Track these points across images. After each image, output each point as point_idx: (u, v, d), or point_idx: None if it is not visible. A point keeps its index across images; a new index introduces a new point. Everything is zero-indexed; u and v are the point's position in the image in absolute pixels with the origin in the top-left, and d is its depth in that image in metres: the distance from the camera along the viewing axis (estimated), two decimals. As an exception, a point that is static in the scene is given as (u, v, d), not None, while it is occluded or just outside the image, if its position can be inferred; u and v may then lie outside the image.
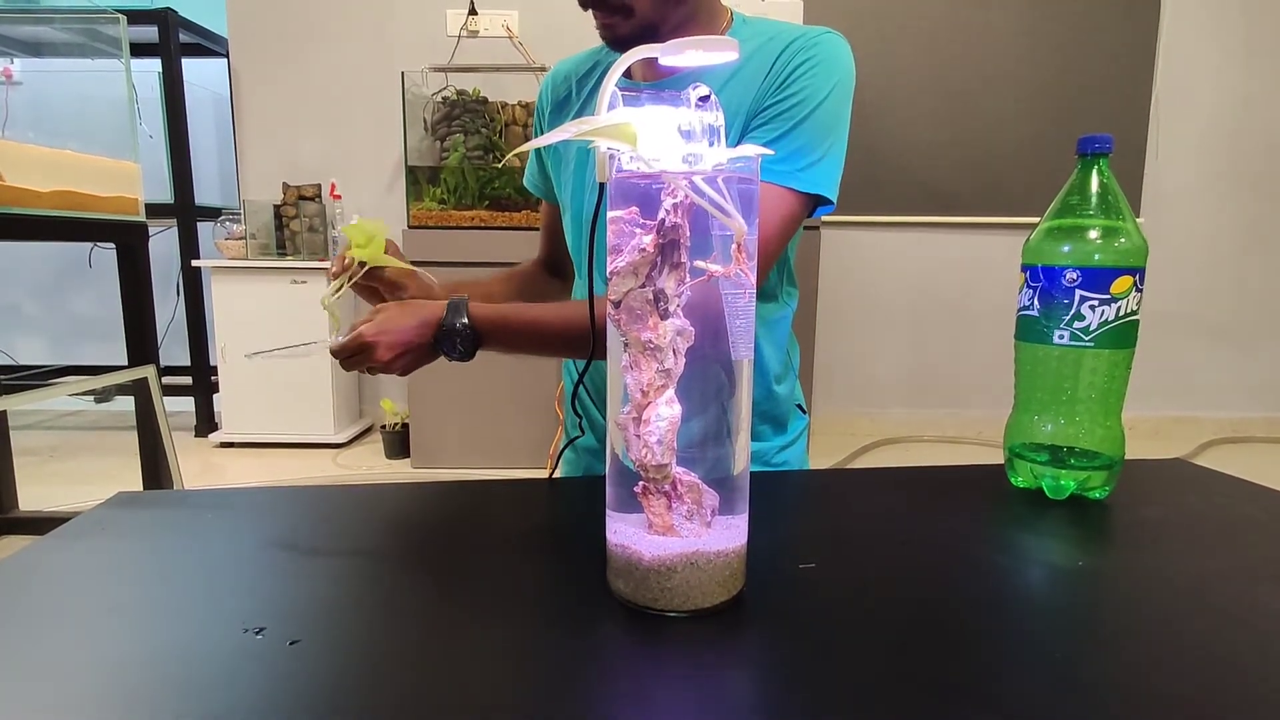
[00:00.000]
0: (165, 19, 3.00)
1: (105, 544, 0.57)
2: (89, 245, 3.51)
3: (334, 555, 0.55)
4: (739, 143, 0.78)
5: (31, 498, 2.12)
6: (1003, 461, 0.71)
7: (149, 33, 2.99)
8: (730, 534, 0.45)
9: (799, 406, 0.97)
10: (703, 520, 0.45)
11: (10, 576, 0.51)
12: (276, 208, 3.08)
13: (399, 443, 2.90)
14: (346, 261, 0.79)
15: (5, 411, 1.97)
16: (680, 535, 0.44)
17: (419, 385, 2.76)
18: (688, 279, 0.42)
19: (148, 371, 1.87)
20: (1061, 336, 0.63)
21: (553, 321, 0.78)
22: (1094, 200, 0.62)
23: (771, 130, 0.78)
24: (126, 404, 2.34)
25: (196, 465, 2.87)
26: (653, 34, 0.78)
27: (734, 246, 0.42)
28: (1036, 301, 0.64)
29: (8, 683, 0.39)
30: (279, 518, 0.63)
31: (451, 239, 2.72)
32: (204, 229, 3.28)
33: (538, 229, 1.06)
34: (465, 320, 0.73)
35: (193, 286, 3.20)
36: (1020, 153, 3.24)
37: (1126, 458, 0.66)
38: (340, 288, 0.79)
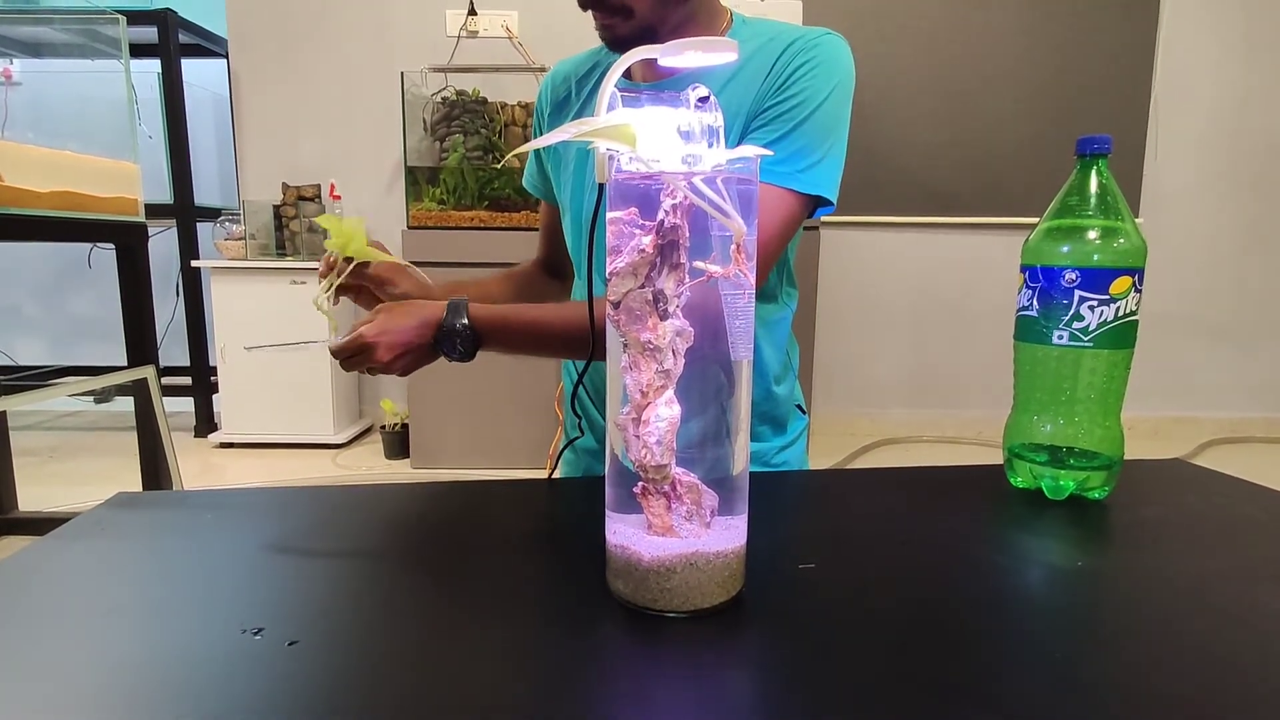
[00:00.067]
0: (165, 20, 3.01)
1: (104, 545, 0.57)
2: (88, 246, 3.51)
3: (333, 556, 0.55)
4: (739, 144, 0.78)
5: (31, 498, 2.12)
6: (1002, 462, 0.71)
7: (148, 33, 2.99)
8: (729, 534, 0.45)
9: (798, 407, 0.97)
10: (702, 521, 0.45)
11: (10, 577, 0.51)
12: (276, 208, 3.08)
13: (399, 443, 2.89)
14: (331, 259, 0.80)
15: (5, 412, 1.97)
16: (679, 536, 0.44)
17: (419, 385, 2.76)
18: (687, 280, 0.42)
19: (147, 372, 1.87)
20: (1061, 337, 0.63)
21: (552, 322, 0.78)
22: (1093, 201, 0.62)
23: (771, 131, 0.78)
24: (126, 404, 2.34)
25: (196, 466, 2.87)
26: (652, 35, 0.78)
27: (733, 247, 0.42)
28: (1035, 302, 0.64)
29: (7, 683, 0.39)
30: (278, 518, 0.63)
31: (451, 239, 2.72)
32: (203, 229, 3.28)
33: (537, 229, 1.06)
34: (465, 321, 0.73)
35: (192, 287, 3.20)
36: (1020, 153, 3.24)
37: (1126, 458, 0.66)
38: (330, 286, 0.79)
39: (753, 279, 0.44)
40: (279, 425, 3.01)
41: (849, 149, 0.81)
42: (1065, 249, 0.62)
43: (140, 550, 0.56)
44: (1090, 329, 0.62)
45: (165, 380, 2.29)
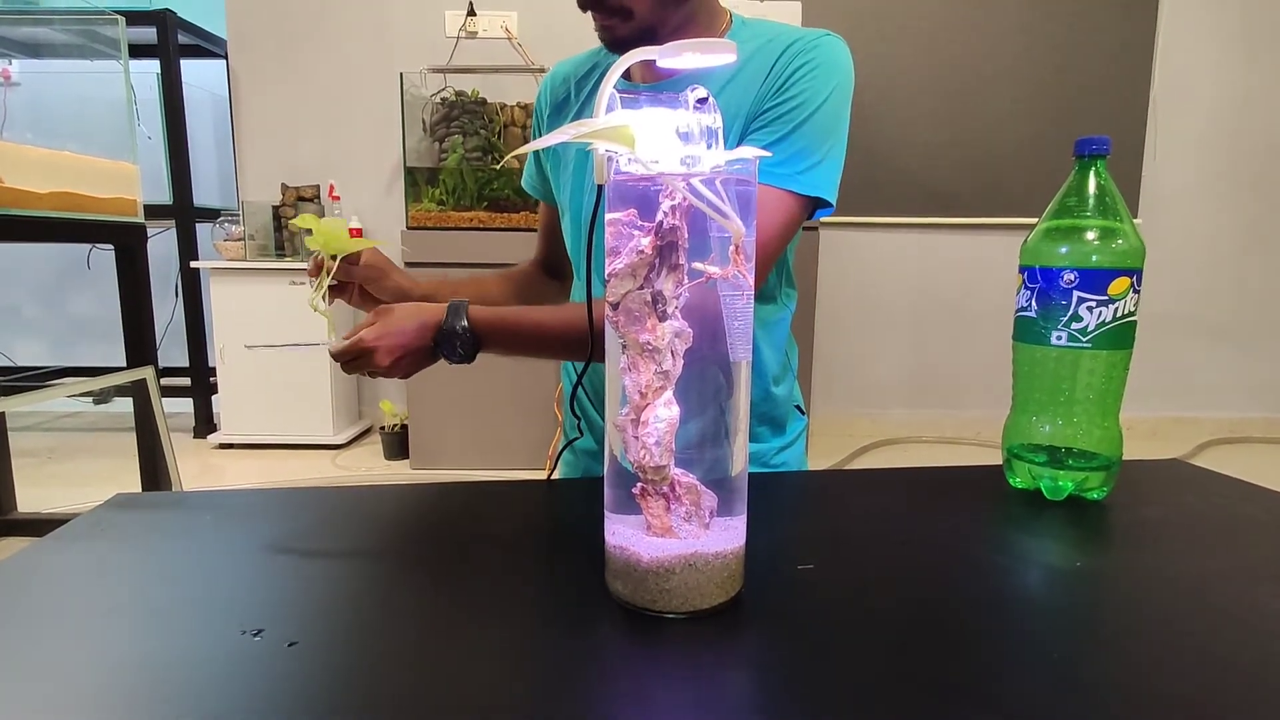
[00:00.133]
0: (164, 20, 3.00)
1: (104, 546, 0.57)
2: (88, 246, 3.51)
3: (332, 556, 0.55)
4: (738, 145, 0.78)
5: (30, 499, 2.11)
6: (1001, 462, 0.71)
7: (148, 34, 2.99)
8: (728, 535, 0.45)
9: (797, 408, 0.97)
10: (701, 522, 0.45)
11: (8, 578, 0.51)
12: (275, 209, 3.08)
13: (398, 444, 2.89)
14: (319, 259, 0.80)
15: (4, 413, 1.97)
16: (679, 537, 0.45)
17: (418, 386, 2.76)
18: (686, 281, 0.42)
19: (146, 373, 1.87)
20: (1059, 338, 0.63)
21: (552, 324, 0.78)
22: (1091, 202, 0.62)
23: (771, 133, 0.78)
24: (125, 405, 2.34)
25: (195, 466, 2.87)
26: (652, 36, 0.78)
27: (732, 248, 0.42)
28: (1034, 303, 0.64)
29: (6, 684, 0.39)
30: (277, 519, 0.63)
31: (450, 240, 2.72)
32: (202, 230, 3.28)
33: (536, 230, 1.06)
34: (465, 324, 0.73)
35: (191, 287, 3.19)
36: (1019, 153, 3.24)
37: (1124, 458, 0.66)
38: (322, 286, 0.79)
39: (751, 280, 0.44)
40: (278, 426, 3.01)
41: (848, 150, 0.81)
42: (1064, 250, 0.62)
43: (139, 551, 0.56)
44: (1089, 330, 0.62)
45: (164, 381, 2.29)
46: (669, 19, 0.78)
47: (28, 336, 3.86)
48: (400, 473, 2.82)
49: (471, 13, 3.08)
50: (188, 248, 3.18)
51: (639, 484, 0.44)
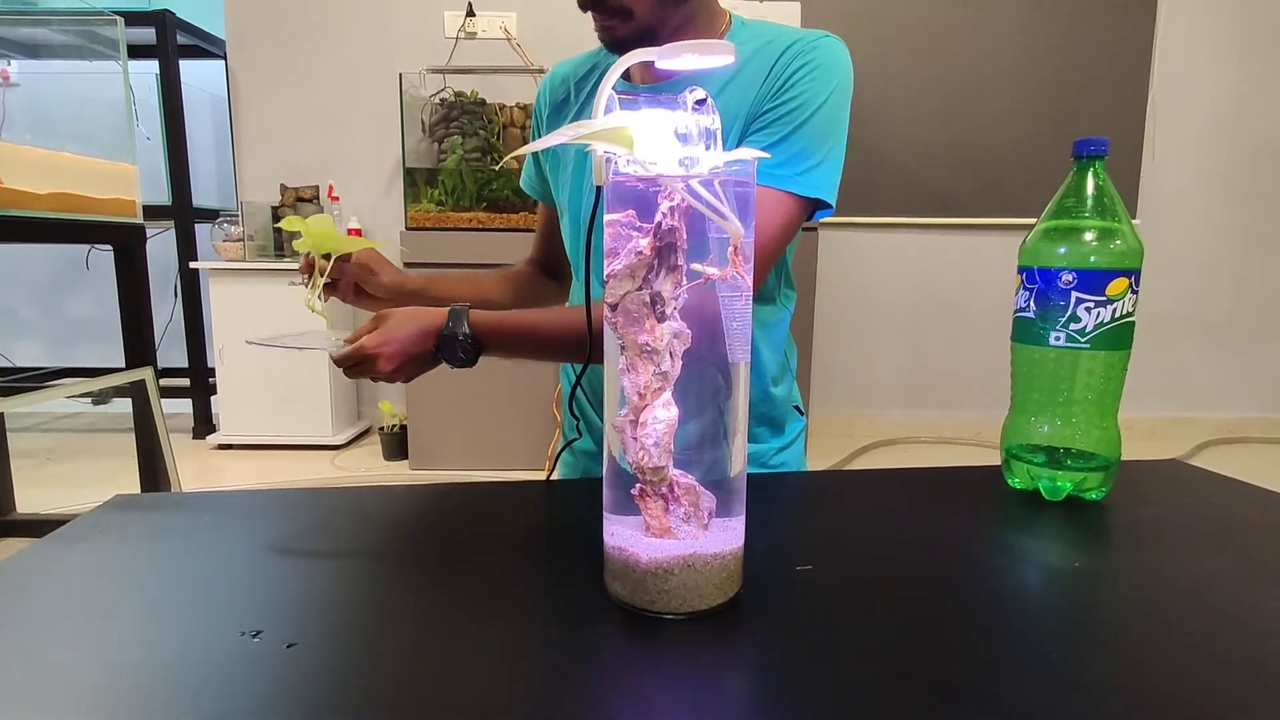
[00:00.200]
0: (163, 21, 3.00)
1: (102, 547, 0.57)
2: (86, 247, 3.51)
3: (331, 557, 0.55)
4: (738, 146, 0.78)
5: (29, 500, 2.11)
6: (1000, 463, 0.71)
7: (146, 34, 2.99)
8: (727, 536, 0.45)
9: (796, 408, 0.97)
10: (700, 522, 0.45)
11: (7, 579, 0.51)
12: (274, 209, 3.08)
13: (397, 444, 2.89)
14: (310, 259, 0.80)
15: (3, 414, 1.97)
16: (677, 537, 0.45)
17: (417, 387, 2.75)
18: (684, 282, 0.43)
19: (145, 373, 1.87)
20: (1058, 338, 0.63)
21: (552, 327, 0.78)
22: (1089, 202, 0.62)
23: (770, 134, 0.78)
24: (124, 406, 2.34)
25: (194, 467, 2.87)
26: (651, 37, 0.78)
27: (730, 249, 0.42)
28: (1033, 303, 0.64)
29: (6, 684, 0.39)
30: (276, 520, 0.63)
31: (449, 241, 2.72)
32: (202, 231, 3.28)
33: (535, 230, 1.07)
34: (467, 329, 0.73)
35: (190, 288, 3.19)
36: (1018, 154, 3.24)
37: (1123, 458, 0.66)
38: (316, 286, 0.80)
39: (750, 281, 0.44)
40: (277, 427, 3.01)
41: (847, 150, 0.81)
42: (1062, 250, 0.62)
43: (138, 552, 0.56)
44: (1087, 330, 0.62)
45: (163, 382, 2.29)
46: (669, 20, 0.78)
47: (27, 337, 3.86)
48: (399, 473, 2.82)
49: (470, 13, 3.08)
50: (187, 248, 3.18)
51: (638, 485, 0.44)
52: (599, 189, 0.44)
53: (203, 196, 3.38)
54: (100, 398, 3.73)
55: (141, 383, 1.86)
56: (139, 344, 1.95)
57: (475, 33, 3.12)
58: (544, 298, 1.06)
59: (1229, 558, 0.55)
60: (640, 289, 0.42)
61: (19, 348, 3.81)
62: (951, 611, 0.47)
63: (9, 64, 3.20)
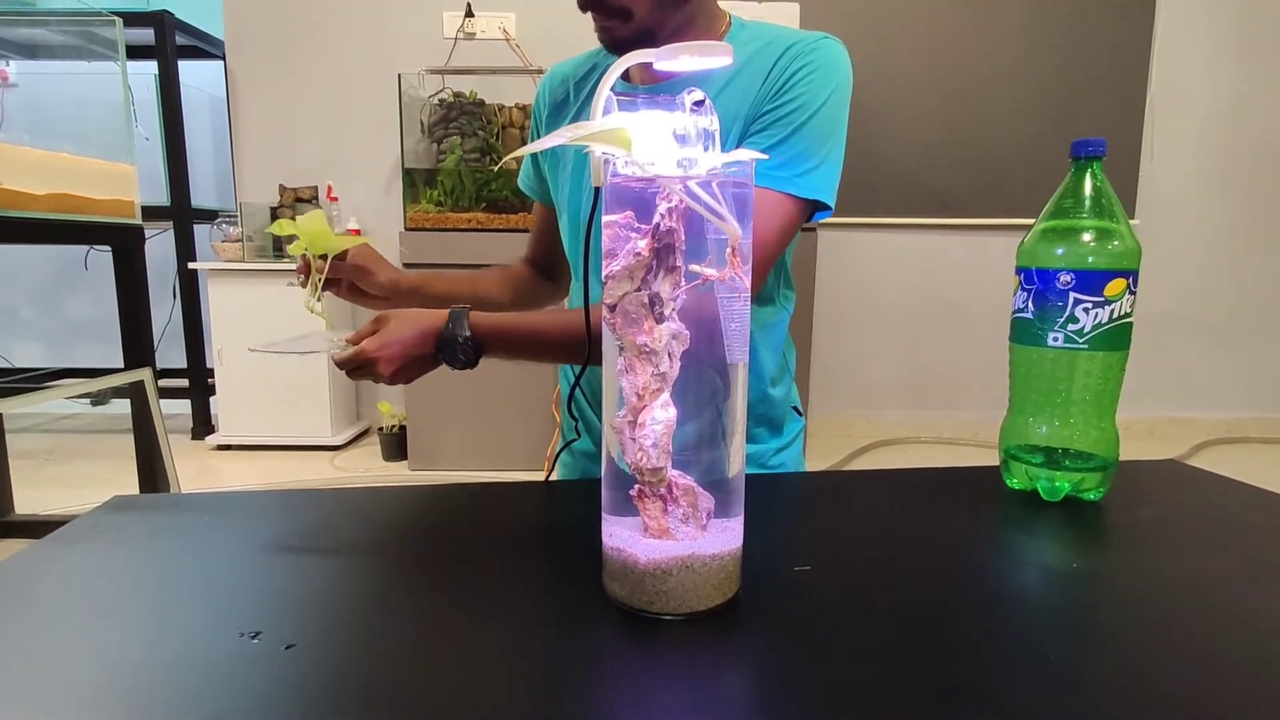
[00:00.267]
0: (161, 21, 3.00)
1: (101, 548, 0.57)
2: (85, 248, 3.51)
3: (330, 558, 0.55)
4: (737, 147, 0.79)
5: (27, 501, 2.11)
6: (998, 463, 0.71)
7: (145, 35, 2.99)
8: (725, 537, 0.45)
9: (795, 409, 0.97)
10: (698, 523, 0.45)
11: (6, 580, 0.51)
12: (273, 210, 3.07)
13: (396, 445, 2.89)
14: (306, 260, 0.80)
15: (1, 414, 1.96)
16: (676, 538, 0.45)
17: (416, 388, 2.75)
18: (683, 283, 0.43)
19: (144, 374, 1.87)
20: (1056, 339, 0.63)
21: (553, 329, 0.78)
22: (1087, 203, 0.63)
23: (770, 136, 0.78)
24: (123, 407, 2.34)
25: (193, 468, 2.87)
26: (651, 38, 0.78)
27: (728, 250, 0.42)
28: (1031, 304, 0.65)
29: (5, 685, 0.39)
30: (275, 521, 0.63)
31: (448, 241, 2.72)
32: (200, 231, 3.28)
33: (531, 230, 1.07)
34: (468, 332, 0.73)
35: (189, 289, 3.19)
36: (1017, 154, 3.25)
37: (1121, 459, 0.66)
38: (316, 288, 0.80)
39: (748, 282, 0.44)
40: (276, 427, 3.01)
41: (846, 151, 0.81)
42: (1060, 251, 0.63)
43: (137, 553, 0.56)
44: (1085, 331, 0.62)
45: (162, 382, 2.29)
46: (668, 21, 0.78)
47: (25, 338, 3.85)
48: (398, 474, 2.82)
49: (469, 14, 3.08)
50: (185, 249, 3.18)
51: (636, 486, 0.44)
52: (597, 190, 0.45)
53: (201, 197, 3.38)
54: (99, 398, 3.73)
55: (140, 383, 1.86)
56: (138, 345, 1.95)
57: (474, 33, 3.12)
58: (541, 298, 1.06)
59: (1228, 558, 0.55)
60: (639, 290, 0.42)
61: (18, 348, 3.81)
62: (950, 612, 0.47)
63: (7, 64, 3.20)
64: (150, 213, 2.23)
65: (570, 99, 0.93)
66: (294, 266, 0.84)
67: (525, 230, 2.74)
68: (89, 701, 0.37)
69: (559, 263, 1.04)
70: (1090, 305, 0.62)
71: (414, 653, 0.42)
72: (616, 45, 0.79)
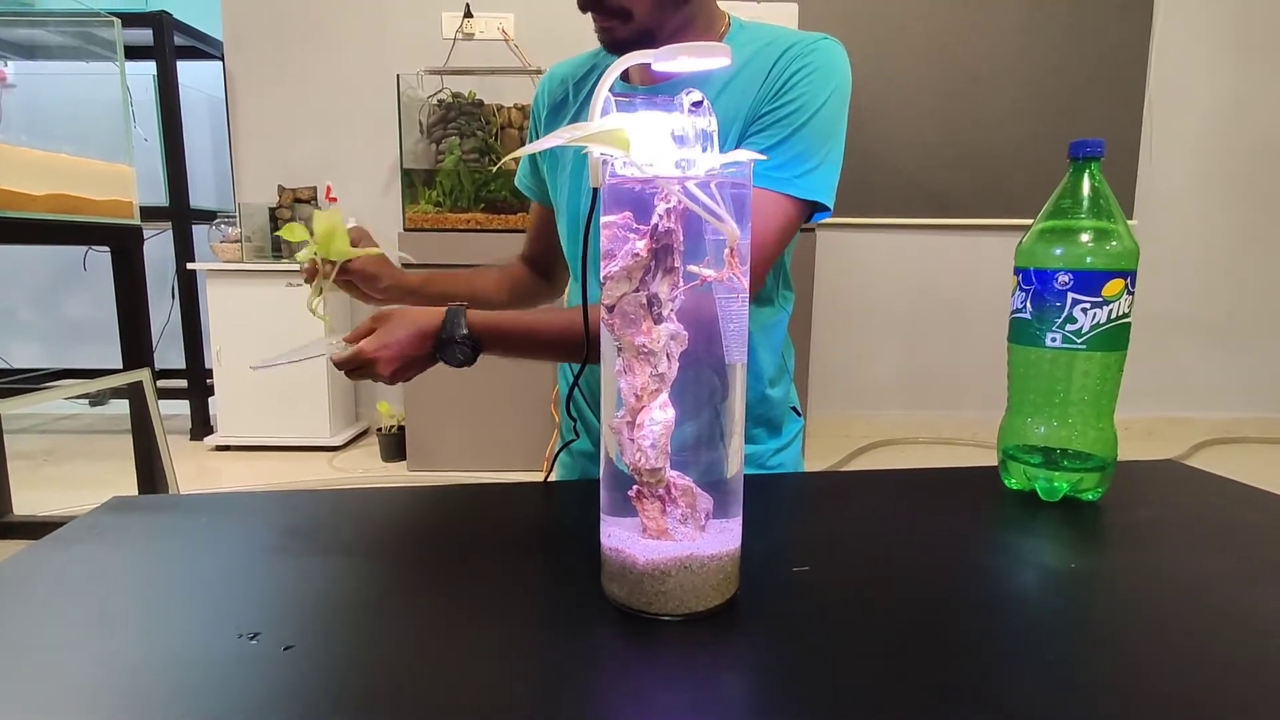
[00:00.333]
0: (160, 22, 3.00)
1: (99, 549, 0.57)
2: (84, 248, 3.51)
3: (329, 559, 0.55)
4: (736, 148, 0.79)
5: (25, 502, 2.11)
6: (997, 463, 0.71)
7: (144, 35, 2.99)
8: (724, 537, 0.45)
9: (794, 409, 0.98)
10: (696, 524, 0.45)
11: (4, 581, 0.51)
12: (272, 210, 3.07)
13: (395, 445, 2.89)
14: (314, 263, 0.80)
15: (0, 415, 1.96)
16: (674, 539, 0.45)
17: (415, 388, 2.75)
18: (681, 284, 0.43)
19: (143, 375, 1.86)
20: (1054, 339, 0.63)
21: (550, 327, 0.78)
22: (1085, 204, 0.63)
23: (769, 136, 0.78)
24: (121, 407, 2.34)
25: (192, 469, 2.86)
26: (650, 39, 0.78)
27: (727, 251, 0.42)
28: (1029, 304, 0.65)
29: (2, 687, 0.38)
30: (274, 521, 0.63)
31: (447, 241, 2.72)
32: (199, 232, 3.27)
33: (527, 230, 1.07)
34: (465, 331, 0.73)
35: (188, 289, 3.19)
36: (1015, 154, 3.25)
37: (1119, 459, 0.67)
38: (320, 292, 0.80)
39: (746, 283, 0.44)
40: (275, 428, 3.01)
41: (845, 151, 0.81)
42: (1058, 251, 0.63)
43: (135, 554, 0.56)
44: (1083, 331, 0.62)
45: (161, 383, 2.29)
46: (668, 21, 0.78)
47: (24, 339, 3.85)
48: (397, 474, 2.82)
49: (468, 14, 3.08)
50: (184, 249, 3.18)
51: (635, 486, 0.44)
52: (595, 190, 0.45)
53: (200, 198, 3.38)
54: (98, 399, 3.73)
55: (139, 384, 1.86)
56: (136, 345, 1.95)
57: (473, 34, 3.12)
58: (537, 297, 1.07)
59: (1226, 558, 0.55)
60: (637, 290, 0.42)
61: (16, 349, 3.81)
62: (949, 612, 0.47)
63: (6, 65, 3.20)
64: (149, 213, 2.23)
65: (569, 99, 0.93)
66: (296, 267, 0.84)
67: (524, 230, 2.73)
68: (87, 702, 0.37)
69: (555, 262, 1.05)
70: (1088, 305, 0.62)
71: (413, 653, 0.42)
72: (616, 46, 0.79)
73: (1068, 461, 0.65)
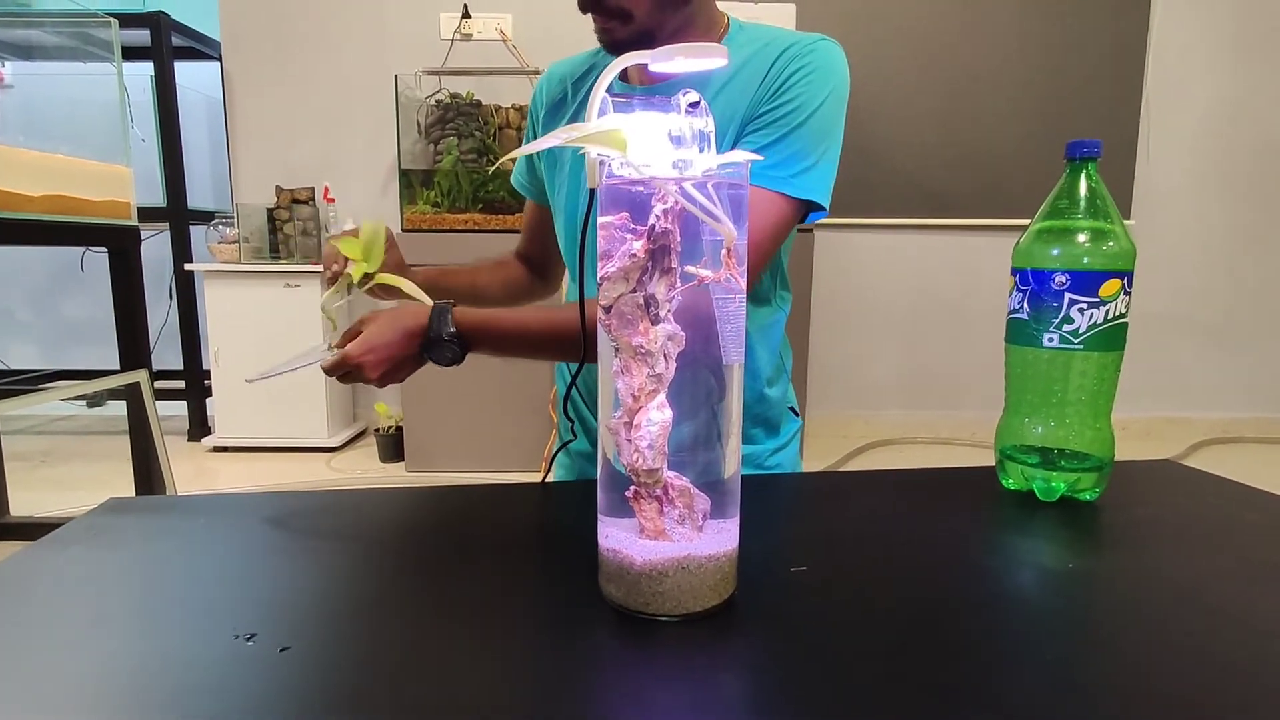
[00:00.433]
0: (157, 22, 3.00)
1: (96, 550, 0.56)
2: (81, 249, 3.50)
3: (327, 560, 0.55)
4: (733, 148, 0.79)
5: (22, 503, 2.10)
6: (994, 463, 0.71)
7: (141, 36, 2.98)
8: (721, 538, 0.45)
9: (791, 409, 0.98)
10: (694, 524, 0.45)
11: (1, 582, 0.51)
12: (270, 211, 3.07)
13: (393, 446, 2.89)
14: (336, 269, 0.80)
15: (-4, 416, 1.96)
16: (671, 539, 0.45)
17: (413, 389, 2.75)
18: (678, 284, 0.43)
19: (140, 376, 1.86)
20: (1051, 339, 0.63)
21: (541, 325, 0.78)
22: (1082, 204, 0.63)
23: (766, 135, 0.78)
24: (119, 408, 2.34)
25: (189, 470, 2.86)
26: (650, 39, 0.78)
27: (724, 252, 0.42)
28: (1026, 304, 0.65)
29: (-3, 691, 0.38)
30: (272, 522, 0.62)
31: (445, 242, 2.72)
32: (197, 232, 3.27)
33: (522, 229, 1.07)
34: (452, 329, 0.73)
35: (185, 290, 3.19)
36: (1013, 154, 3.25)
37: (1117, 459, 0.67)
38: (343, 297, 0.79)
39: (744, 283, 0.44)
40: (273, 429, 3.01)
41: (843, 151, 0.81)
42: (1055, 252, 0.63)
43: (132, 556, 0.56)
44: (1080, 331, 0.62)
45: (158, 384, 2.28)
46: (667, 22, 0.78)
47: (21, 340, 3.84)
48: (395, 475, 2.82)
49: (466, 15, 3.08)
50: (182, 250, 3.17)
51: (632, 487, 0.44)
52: (593, 191, 0.45)
53: (198, 198, 3.38)
54: (95, 400, 3.72)
55: (136, 385, 1.85)
56: (134, 346, 1.95)
57: (471, 34, 3.12)
58: (532, 294, 1.07)
59: (1224, 558, 0.55)
60: (634, 291, 0.42)
61: (13, 350, 3.80)
62: (947, 612, 0.47)
63: (3, 66, 3.19)
64: (146, 214, 2.23)
65: (568, 99, 0.93)
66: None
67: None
68: (84, 704, 0.37)
69: (550, 260, 1.05)
70: (1085, 306, 0.62)
71: (410, 654, 0.42)
72: (616, 46, 0.79)
73: (1065, 461, 0.65)
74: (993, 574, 0.53)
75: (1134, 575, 0.53)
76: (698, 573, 0.44)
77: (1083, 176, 0.63)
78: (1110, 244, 0.62)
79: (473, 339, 0.74)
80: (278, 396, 2.97)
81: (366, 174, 3.29)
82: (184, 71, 3.18)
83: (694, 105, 0.42)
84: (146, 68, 3.07)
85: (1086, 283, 0.61)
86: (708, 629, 0.44)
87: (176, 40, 3.12)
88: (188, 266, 3.08)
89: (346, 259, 0.79)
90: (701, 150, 0.43)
